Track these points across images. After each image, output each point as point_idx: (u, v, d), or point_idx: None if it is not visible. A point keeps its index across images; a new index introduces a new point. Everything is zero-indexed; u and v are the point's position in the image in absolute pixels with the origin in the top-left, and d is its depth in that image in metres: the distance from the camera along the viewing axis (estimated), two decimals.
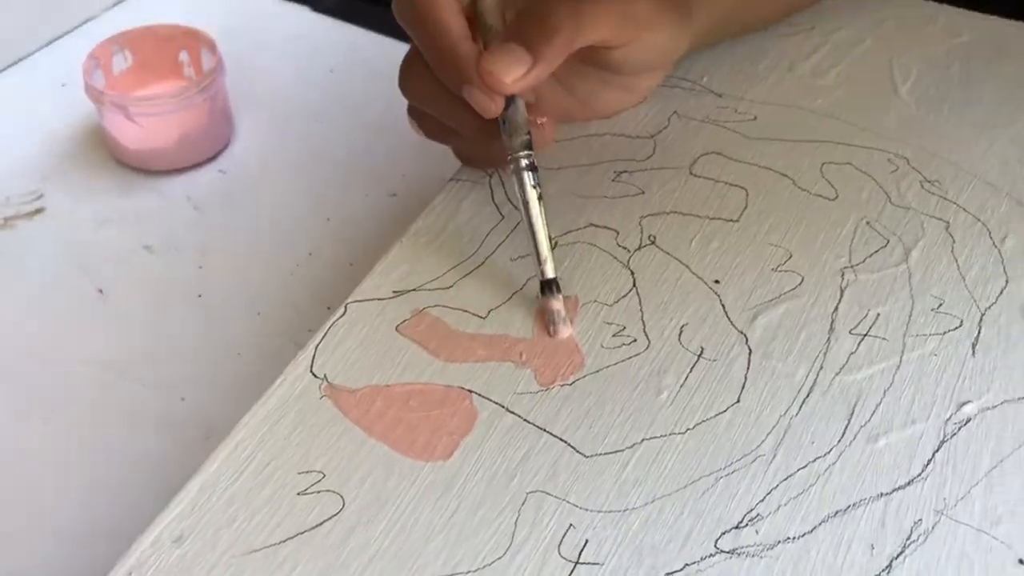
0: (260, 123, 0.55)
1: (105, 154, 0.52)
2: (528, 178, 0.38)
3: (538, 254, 0.37)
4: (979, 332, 0.37)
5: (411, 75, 0.39)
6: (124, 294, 0.46)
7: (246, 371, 0.36)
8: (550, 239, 0.38)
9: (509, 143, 0.38)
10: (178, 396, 0.41)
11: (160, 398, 0.41)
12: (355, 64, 0.58)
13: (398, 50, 0.40)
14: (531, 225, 0.37)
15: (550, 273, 0.37)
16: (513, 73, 0.36)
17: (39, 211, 0.50)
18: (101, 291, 0.46)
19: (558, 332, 0.37)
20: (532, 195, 0.37)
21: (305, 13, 0.62)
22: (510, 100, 0.38)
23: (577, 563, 0.31)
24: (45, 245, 0.48)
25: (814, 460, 0.34)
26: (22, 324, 0.44)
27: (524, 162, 0.38)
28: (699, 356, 0.37)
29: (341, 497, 0.32)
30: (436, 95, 0.38)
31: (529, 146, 0.38)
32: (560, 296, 0.37)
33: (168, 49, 0.52)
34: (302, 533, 0.31)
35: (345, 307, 0.38)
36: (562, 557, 0.31)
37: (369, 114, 0.55)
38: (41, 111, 0.55)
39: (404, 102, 0.42)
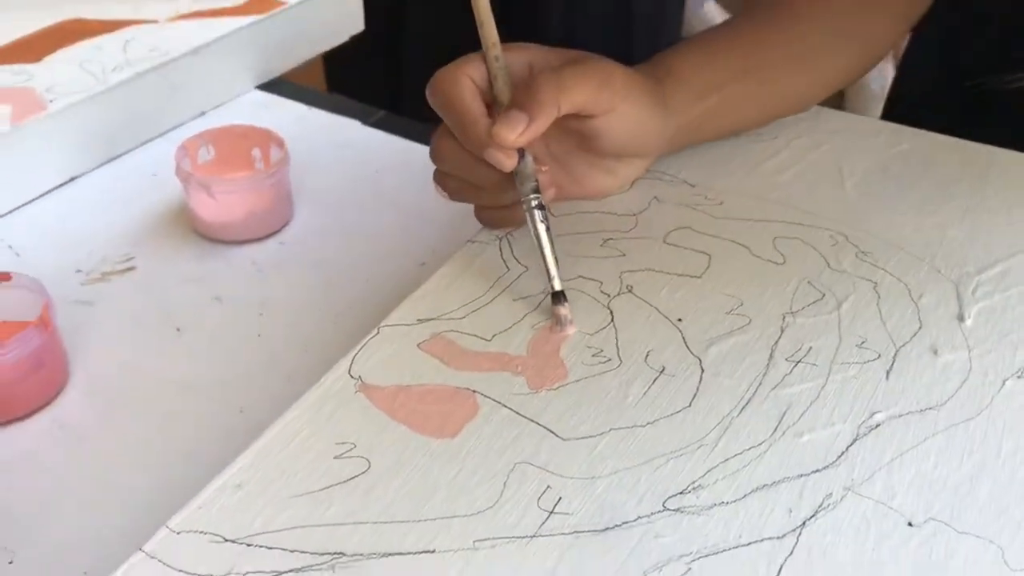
0: (316, 208, 0.65)
1: (186, 227, 0.63)
2: (537, 215, 0.48)
3: (548, 271, 0.47)
4: (893, 363, 0.46)
5: (441, 146, 0.50)
6: (196, 332, 0.55)
7: (295, 391, 0.44)
8: (556, 261, 0.48)
9: (521, 188, 0.49)
10: (237, 408, 0.50)
11: (223, 412, 0.50)
12: (395, 164, 0.70)
13: (422, 152, 0.51)
14: (541, 249, 0.48)
15: (558, 286, 0.47)
16: (515, 132, 0.46)
17: (130, 269, 0.60)
18: (178, 329, 0.55)
19: (565, 330, 0.47)
20: (541, 228, 0.48)
21: (356, 125, 0.74)
22: (521, 155, 0.49)
23: (551, 512, 0.39)
24: (135, 294, 0.58)
25: (749, 448, 0.42)
26: (114, 352, 0.54)
27: (534, 202, 0.48)
28: (661, 372, 0.45)
29: (368, 461, 0.41)
30: (461, 159, 0.49)
31: (537, 191, 0.49)
32: (566, 304, 0.47)
33: (244, 145, 0.64)
34: (335, 485, 0.40)
35: (379, 329, 0.48)
36: (540, 508, 0.39)
37: (404, 203, 0.66)
38: (134, 194, 0.66)
39: (430, 192, 0.53)
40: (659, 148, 0.55)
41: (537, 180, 0.49)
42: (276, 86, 0.79)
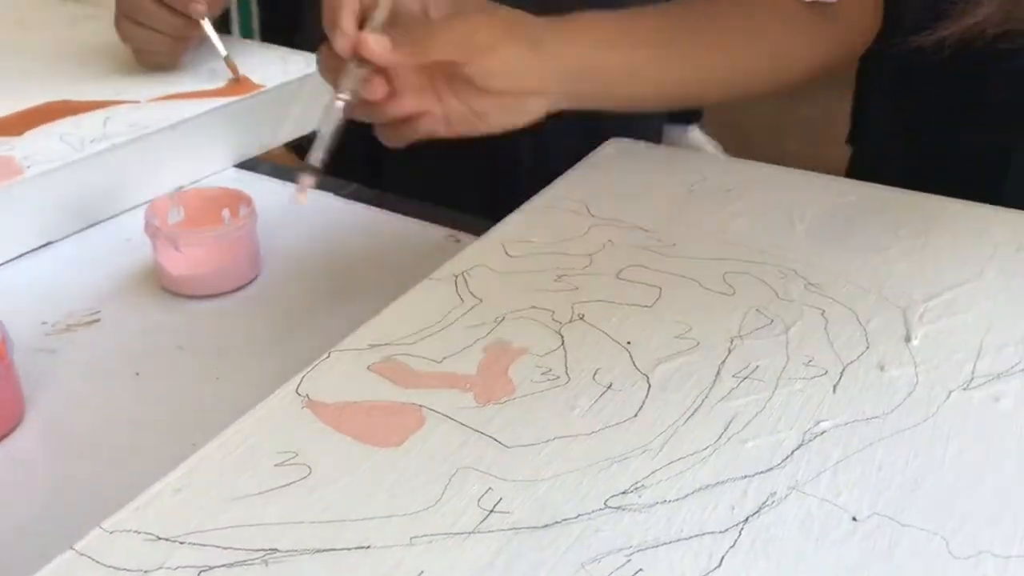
0: (283, 266, 0.66)
1: (154, 284, 0.64)
2: (337, 104, 0.55)
3: (316, 145, 0.54)
4: (840, 378, 0.46)
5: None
6: (155, 377, 0.56)
7: None
8: (328, 148, 0.54)
9: (341, 83, 0.55)
10: (190, 442, 0.50)
11: (176, 447, 0.50)
12: (364, 228, 0.71)
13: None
14: (320, 129, 0.54)
15: (314, 162, 0.54)
16: (377, 47, 0.53)
17: (95, 321, 0.61)
18: (137, 374, 0.56)
19: (298, 197, 0.54)
20: (334, 115, 0.55)
21: (329, 196, 0.76)
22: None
23: (491, 511, 0.38)
24: (97, 344, 0.58)
25: (693, 453, 0.41)
26: (71, 393, 0.54)
27: (339, 103, 0.55)
28: (608, 388, 0.45)
29: (309, 467, 0.41)
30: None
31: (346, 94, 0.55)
32: (312, 179, 0.54)
33: (213, 207, 0.65)
34: (274, 489, 0.39)
35: (329, 353, 0.48)
36: (480, 507, 0.39)
37: (365, 261, 0.67)
38: (105, 257, 0.68)
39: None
40: (544, 88, 0.58)
41: (350, 91, 0.55)
42: (254, 164, 0.82)
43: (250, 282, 0.65)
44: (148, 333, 0.60)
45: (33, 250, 0.69)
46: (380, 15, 0.55)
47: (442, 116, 0.57)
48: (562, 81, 0.58)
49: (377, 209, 0.75)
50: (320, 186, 0.78)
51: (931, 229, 0.58)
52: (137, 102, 0.78)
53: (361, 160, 1.01)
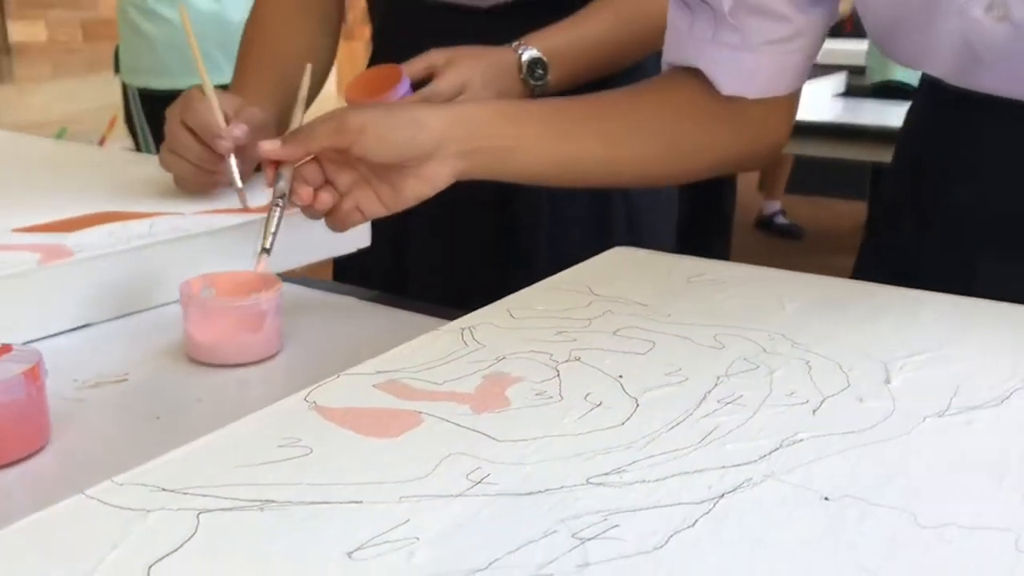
0: (303, 346, 0.70)
1: (182, 354, 0.68)
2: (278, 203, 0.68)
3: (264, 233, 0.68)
4: (820, 405, 0.48)
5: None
6: (175, 419, 0.59)
7: None
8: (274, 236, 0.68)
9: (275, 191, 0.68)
10: None
11: None
12: (384, 324, 0.75)
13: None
14: (267, 221, 0.69)
15: (267, 245, 0.68)
16: (269, 148, 0.67)
17: (124, 380, 0.64)
18: (158, 417, 0.59)
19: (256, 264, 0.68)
20: (276, 211, 0.69)
21: (351, 299, 0.81)
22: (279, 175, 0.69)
23: (479, 483, 0.40)
24: (123, 396, 0.62)
25: (674, 450, 0.43)
26: (93, 429, 0.57)
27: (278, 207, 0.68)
28: (598, 405, 0.48)
29: (310, 448, 0.43)
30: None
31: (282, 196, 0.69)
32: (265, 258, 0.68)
33: (242, 289, 0.70)
34: (277, 461, 0.42)
35: (339, 375, 0.51)
36: (468, 479, 0.41)
37: (384, 347, 0.70)
38: (139, 334, 0.72)
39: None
40: (432, 155, 0.66)
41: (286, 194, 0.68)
42: (285, 276, 0.87)
43: (272, 356, 0.68)
44: (171, 390, 0.63)
45: (71, 330, 0.73)
46: (296, 120, 0.70)
47: (367, 199, 0.68)
48: (455, 157, 0.68)
49: (397, 309, 0.79)
50: (344, 291, 0.83)
51: (917, 312, 0.62)
52: (182, 214, 0.85)
53: (386, 274, 1.08)
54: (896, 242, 0.86)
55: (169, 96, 0.96)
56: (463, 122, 0.67)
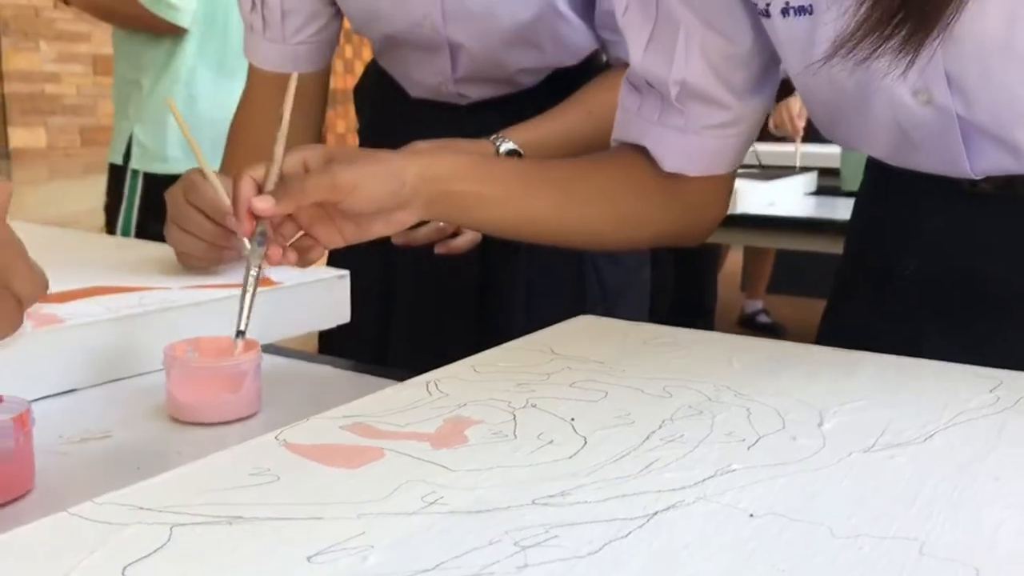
0: (281, 407, 0.74)
1: (165, 414, 0.71)
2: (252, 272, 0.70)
3: (241, 313, 0.69)
4: (755, 443, 0.52)
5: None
6: (155, 469, 0.61)
7: None
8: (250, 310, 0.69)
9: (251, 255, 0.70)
10: None
11: None
12: (354, 386, 0.79)
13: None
14: (243, 295, 0.69)
15: (242, 327, 0.70)
16: (265, 206, 0.68)
17: (107, 437, 0.67)
18: (139, 468, 0.62)
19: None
20: (251, 281, 0.70)
21: (328, 368, 0.85)
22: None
23: (432, 503, 0.44)
24: (106, 450, 0.65)
25: (616, 478, 0.47)
26: (80, 476, 0.60)
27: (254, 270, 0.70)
28: (549, 442, 0.51)
29: (278, 476, 0.46)
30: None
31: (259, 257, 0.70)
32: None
33: (224, 353, 0.74)
34: (246, 487, 0.45)
35: (308, 418, 0.54)
36: (423, 501, 0.44)
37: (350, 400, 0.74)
38: (124, 398, 0.75)
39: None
40: (406, 206, 0.70)
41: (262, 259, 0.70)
42: (271, 348, 0.91)
43: (251, 416, 0.72)
44: (152, 445, 0.66)
45: (57, 394, 0.77)
46: (270, 182, 0.72)
47: (328, 233, 0.71)
48: (423, 204, 0.72)
49: (375, 377, 0.83)
50: (324, 361, 0.87)
51: (856, 369, 0.66)
52: (170, 288, 0.90)
53: (369, 351, 1.12)
54: (851, 314, 0.90)
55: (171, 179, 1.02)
56: (435, 178, 0.72)
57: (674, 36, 0.76)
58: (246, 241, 0.72)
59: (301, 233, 0.72)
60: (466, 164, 0.75)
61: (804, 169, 2.45)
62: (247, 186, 0.69)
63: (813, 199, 2.31)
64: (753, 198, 2.06)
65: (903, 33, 0.56)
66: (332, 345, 1.16)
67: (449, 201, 0.73)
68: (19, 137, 3.96)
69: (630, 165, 0.81)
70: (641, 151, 0.81)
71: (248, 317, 0.70)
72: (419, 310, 1.15)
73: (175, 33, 2.23)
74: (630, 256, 1.18)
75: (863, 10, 0.57)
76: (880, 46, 0.57)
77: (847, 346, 0.73)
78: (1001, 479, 0.47)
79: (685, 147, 0.78)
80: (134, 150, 2.28)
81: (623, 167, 0.81)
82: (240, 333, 0.69)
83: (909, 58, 0.58)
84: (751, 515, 0.43)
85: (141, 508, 0.43)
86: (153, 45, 2.28)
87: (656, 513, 0.43)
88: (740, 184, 2.07)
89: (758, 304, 4.11)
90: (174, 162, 2.25)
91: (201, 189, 0.91)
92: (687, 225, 0.84)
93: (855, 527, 0.42)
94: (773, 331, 3.97)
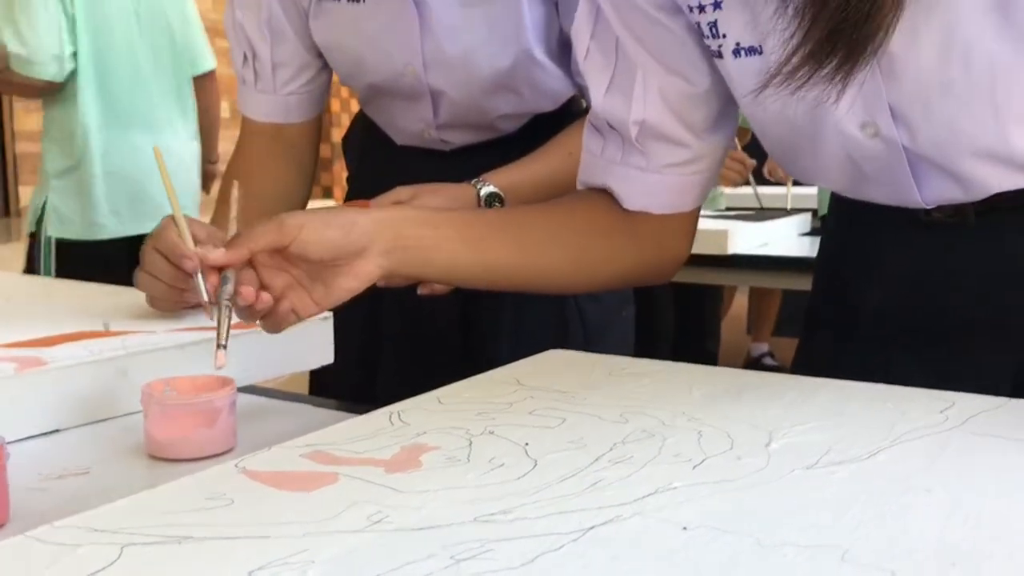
0: (256, 444, 0.75)
1: (142, 453, 0.73)
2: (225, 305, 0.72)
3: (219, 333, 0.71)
4: (701, 462, 0.53)
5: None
6: None
7: None
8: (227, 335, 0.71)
9: (221, 293, 0.72)
10: None
11: None
12: (323, 424, 0.81)
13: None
14: (219, 324, 0.71)
15: (223, 341, 0.71)
16: (216, 255, 0.71)
17: (85, 473, 0.69)
18: (114, 502, 0.63)
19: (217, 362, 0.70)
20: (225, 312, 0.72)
21: (307, 408, 0.86)
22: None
23: (377, 522, 0.45)
24: (83, 486, 0.67)
25: (560, 496, 0.48)
26: (57, 508, 0.62)
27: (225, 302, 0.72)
28: (500, 466, 0.53)
29: (232, 499, 0.48)
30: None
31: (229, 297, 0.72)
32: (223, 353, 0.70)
33: (200, 390, 0.76)
34: (200, 510, 0.47)
35: (270, 447, 0.56)
36: (369, 520, 0.45)
37: None
38: (104, 437, 0.77)
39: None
40: (362, 252, 0.72)
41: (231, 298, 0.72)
42: (251, 389, 0.93)
43: (227, 452, 0.73)
44: (129, 480, 0.68)
45: (41, 435, 0.79)
46: (232, 228, 0.77)
47: (301, 300, 0.73)
48: (380, 252, 0.74)
49: (352, 414, 0.84)
50: (303, 400, 0.89)
51: (812, 395, 0.67)
52: (154, 332, 0.92)
53: (356, 389, 1.14)
54: (820, 347, 0.92)
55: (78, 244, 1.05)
56: (389, 223, 0.74)
57: (632, 78, 0.78)
58: (200, 283, 0.77)
59: (271, 302, 0.73)
60: (421, 216, 0.78)
61: (796, 210, 2.47)
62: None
63: (807, 239, 2.32)
64: (746, 239, 2.08)
65: (835, 61, 0.59)
66: (321, 383, 1.18)
67: (405, 248, 0.75)
68: (27, 195, 4.04)
69: (592, 207, 0.83)
70: (605, 193, 0.83)
71: (228, 332, 0.71)
72: (405, 348, 1.17)
73: (53, 89, 2.25)
74: (612, 295, 1.20)
75: (795, 39, 0.59)
76: (813, 74, 0.60)
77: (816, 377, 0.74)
78: (933, 491, 0.48)
79: (648, 186, 0.81)
80: (47, 215, 2.30)
81: (585, 208, 0.83)
82: (222, 346, 0.71)
83: (842, 85, 0.61)
84: (684, 528, 0.44)
85: (95, 530, 0.44)
86: (50, 109, 2.33)
87: (592, 527, 0.44)
88: (733, 225, 2.10)
89: (764, 347, 4.11)
90: (87, 227, 2.27)
91: (165, 234, 0.94)
92: (651, 264, 0.86)
93: (782, 537, 0.43)
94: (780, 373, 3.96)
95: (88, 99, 2.26)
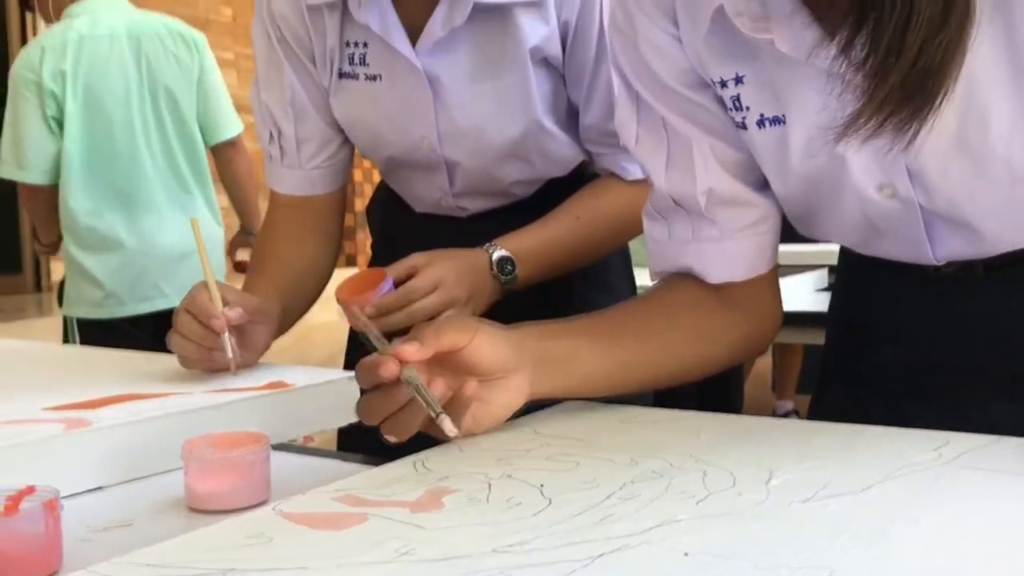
0: (289, 492, 0.80)
1: (183, 507, 0.77)
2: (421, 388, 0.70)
3: (434, 410, 0.69)
4: (705, 498, 0.57)
5: None
6: None
7: None
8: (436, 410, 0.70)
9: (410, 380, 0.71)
10: None
11: None
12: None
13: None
14: (429, 404, 0.69)
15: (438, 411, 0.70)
16: (412, 350, 0.70)
17: (129, 525, 0.73)
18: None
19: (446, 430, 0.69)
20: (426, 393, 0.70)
21: (336, 462, 0.91)
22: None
23: (404, 554, 0.49)
24: (127, 537, 0.71)
25: (573, 530, 0.52)
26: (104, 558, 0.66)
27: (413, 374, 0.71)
28: (518, 505, 0.57)
29: (271, 538, 0.52)
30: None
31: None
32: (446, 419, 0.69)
33: (237, 445, 0.80)
34: (242, 547, 0.51)
35: (305, 492, 0.61)
36: (395, 552, 0.49)
37: None
38: (146, 492, 0.82)
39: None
40: (519, 366, 0.74)
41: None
42: (285, 446, 0.97)
43: (261, 503, 0.77)
44: (171, 530, 0.72)
45: (85, 491, 0.83)
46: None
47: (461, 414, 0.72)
48: (530, 362, 0.75)
49: (373, 467, 0.89)
50: (334, 456, 0.93)
51: (815, 437, 0.71)
52: (191, 393, 0.97)
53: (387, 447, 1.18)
54: (834, 398, 0.95)
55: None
56: (527, 338, 0.76)
57: (689, 151, 0.81)
58: (226, 341, 0.83)
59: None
60: (545, 328, 0.79)
61: (813, 267, 2.51)
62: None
63: (824, 295, 2.36)
64: None
65: (907, 111, 0.61)
66: (349, 440, 1.22)
67: (549, 365, 0.76)
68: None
69: (682, 289, 0.85)
70: (686, 275, 0.85)
71: (434, 400, 0.70)
72: None
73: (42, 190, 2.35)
74: None
75: (865, 93, 0.61)
76: (884, 123, 0.61)
77: None
78: (921, 520, 0.52)
79: (725, 255, 0.82)
80: (66, 295, 2.40)
81: (677, 292, 0.85)
82: (441, 413, 0.70)
83: (913, 131, 0.62)
84: (685, 554, 0.48)
85: (148, 565, 0.49)
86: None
87: (601, 555, 0.48)
88: None
89: (788, 404, 4.12)
90: (94, 307, 2.32)
91: (196, 297, 1.00)
92: (753, 332, 0.87)
93: (776, 561, 0.47)
94: None
95: (75, 188, 2.32)
